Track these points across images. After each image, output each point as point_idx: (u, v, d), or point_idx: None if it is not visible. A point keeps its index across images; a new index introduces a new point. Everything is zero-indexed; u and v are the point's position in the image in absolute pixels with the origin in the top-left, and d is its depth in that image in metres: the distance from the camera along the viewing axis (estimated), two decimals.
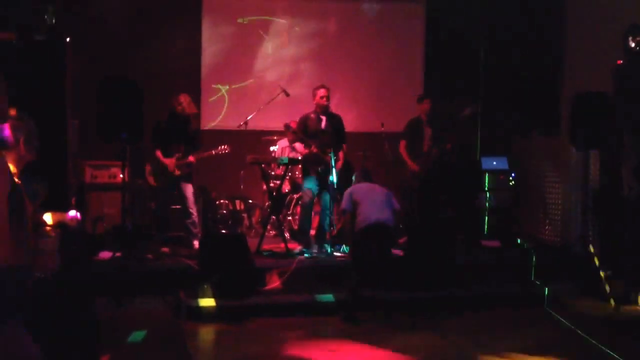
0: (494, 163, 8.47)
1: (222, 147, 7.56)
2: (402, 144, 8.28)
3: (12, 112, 3.44)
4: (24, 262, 2.66)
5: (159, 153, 7.39)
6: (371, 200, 6.83)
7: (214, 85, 9.74)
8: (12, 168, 3.24)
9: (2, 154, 2.68)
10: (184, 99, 7.41)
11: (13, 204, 2.61)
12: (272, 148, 8.92)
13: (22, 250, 2.62)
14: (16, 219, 2.64)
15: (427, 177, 8.09)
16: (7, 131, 3.24)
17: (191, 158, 7.38)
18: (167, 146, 7.40)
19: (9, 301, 2.60)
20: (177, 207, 7.69)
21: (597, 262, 6.98)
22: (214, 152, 7.56)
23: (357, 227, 6.75)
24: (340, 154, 7.51)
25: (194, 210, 7.50)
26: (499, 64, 9.93)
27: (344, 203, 6.92)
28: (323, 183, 7.36)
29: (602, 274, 6.88)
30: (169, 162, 7.35)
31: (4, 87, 2.71)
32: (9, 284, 2.59)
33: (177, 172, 7.38)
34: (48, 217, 3.71)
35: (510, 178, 9.00)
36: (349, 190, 7.03)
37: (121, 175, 6.97)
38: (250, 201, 8.92)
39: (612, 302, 6.69)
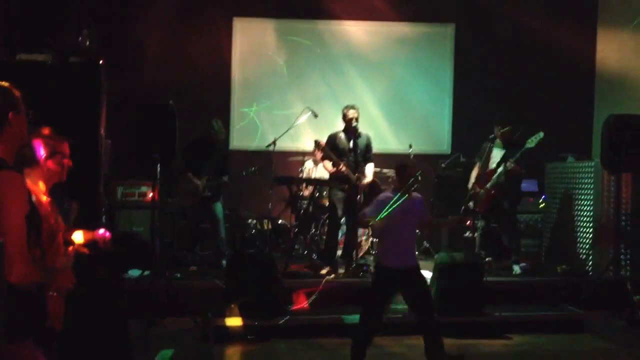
0: (524, 185, 8.37)
1: (253, 168, 7.68)
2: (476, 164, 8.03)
3: (46, 130, 3.49)
4: (39, 281, 2.68)
5: (189, 174, 7.50)
6: None
7: (243, 107, 9.84)
8: (41, 186, 3.29)
9: (22, 173, 2.72)
10: (216, 124, 7.60)
11: (31, 222, 2.64)
12: (300, 168, 8.95)
13: (37, 269, 2.65)
14: (34, 237, 2.68)
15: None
16: (38, 147, 3.31)
17: (225, 179, 7.50)
18: (197, 168, 7.52)
19: (22, 320, 2.62)
20: (206, 226, 7.75)
21: (629, 287, 6.86)
22: (244, 172, 7.66)
23: None
24: (370, 174, 7.50)
25: (222, 230, 7.57)
26: (529, 86, 9.90)
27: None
28: (350, 202, 7.34)
29: (635, 298, 6.75)
30: (200, 183, 7.44)
31: (23, 108, 2.75)
32: (23, 302, 2.61)
33: (207, 193, 7.48)
34: (79, 235, 3.74)
35: (541, 200, 8.90)
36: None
37: (151, 195, 7.05)
38: (279, 221, 8.95)
39: None
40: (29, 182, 3.07)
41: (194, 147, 7.60)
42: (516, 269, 7.68)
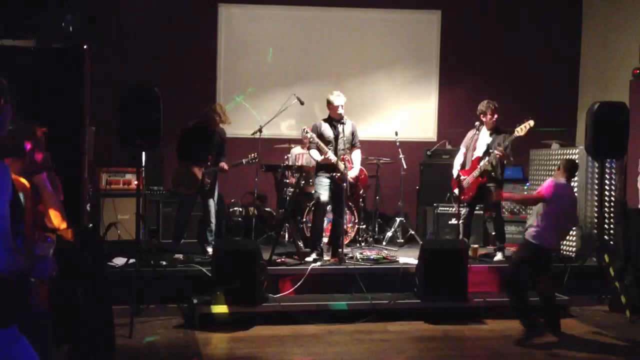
0: (509, 172, 8.41)
1: (252, 155, 7.67)
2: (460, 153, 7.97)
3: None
4: (21, 268, 2.66)
5: (194, 168, 7.40)
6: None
7: (229, 93, 9.79)
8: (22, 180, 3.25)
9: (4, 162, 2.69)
10: (221, 109, 7.51)
11: (13, 210, 2.62)
12: (286, 155, 8.94)
13: (20, 256, 2.63)
14: (16, 225, 2.66)
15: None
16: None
17: (224, 166, 7.46)
18: (197, 155, 7.44)
19: (5, 308, 2.61)
20: (194, 214, 7.75)
21: (612, 273, 6.92)
22: (244, 161, 7.66)
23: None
24: (356, 161, 7.50)
25: (213, 219, 7.54)
26: (514, 74, 9.94)
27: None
28: (337, 190, 7.35)
29: (617, 284, 6.82)
30: (199, 171, 7.37)
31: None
32: (5, 290, 2.60)
33: (207, 181, 7.42)
34: (55, 217, 3.67)
35: (526, 187, 8.96)
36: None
37: (136, 182, 7.01)
38: (264, 208, 8.94)
39: (628, 313, 6.63)
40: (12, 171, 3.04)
41: (193, 133, 7.53)
42: (498, 255, 7.69)
